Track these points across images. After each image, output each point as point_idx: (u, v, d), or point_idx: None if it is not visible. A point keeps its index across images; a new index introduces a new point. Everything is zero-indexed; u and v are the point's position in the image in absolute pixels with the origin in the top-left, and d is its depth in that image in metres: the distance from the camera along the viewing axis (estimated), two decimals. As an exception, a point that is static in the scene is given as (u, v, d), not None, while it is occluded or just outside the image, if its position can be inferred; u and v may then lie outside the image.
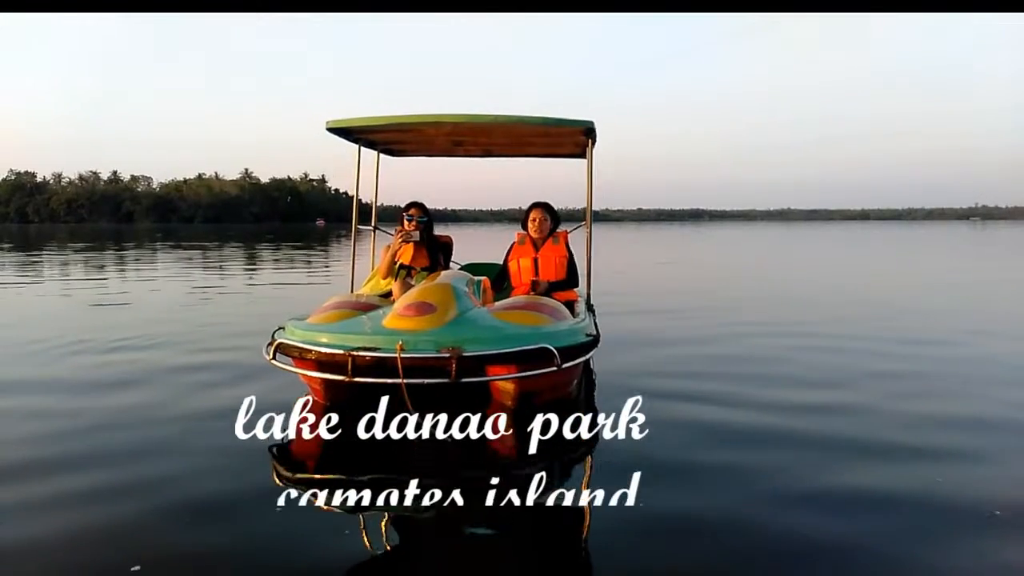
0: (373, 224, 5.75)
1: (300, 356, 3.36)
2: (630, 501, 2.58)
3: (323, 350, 3.25)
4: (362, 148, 5.27)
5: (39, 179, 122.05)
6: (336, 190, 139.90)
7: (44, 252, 21.17)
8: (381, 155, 5.89)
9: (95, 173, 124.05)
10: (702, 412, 3.78)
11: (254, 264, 16.28)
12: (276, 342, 3.49)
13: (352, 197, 5.46)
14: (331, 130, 4.67)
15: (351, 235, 5.29)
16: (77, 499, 2.62)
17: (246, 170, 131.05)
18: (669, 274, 14.56)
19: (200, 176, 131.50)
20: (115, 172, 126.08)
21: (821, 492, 2.69)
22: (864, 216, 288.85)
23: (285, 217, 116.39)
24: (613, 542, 2.31)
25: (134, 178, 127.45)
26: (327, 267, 15.59)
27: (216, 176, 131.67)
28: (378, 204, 6.08)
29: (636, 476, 2.77)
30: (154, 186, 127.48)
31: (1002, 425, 3.59)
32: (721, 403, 3.97)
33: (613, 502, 2.57)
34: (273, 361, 3.48)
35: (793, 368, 4.93)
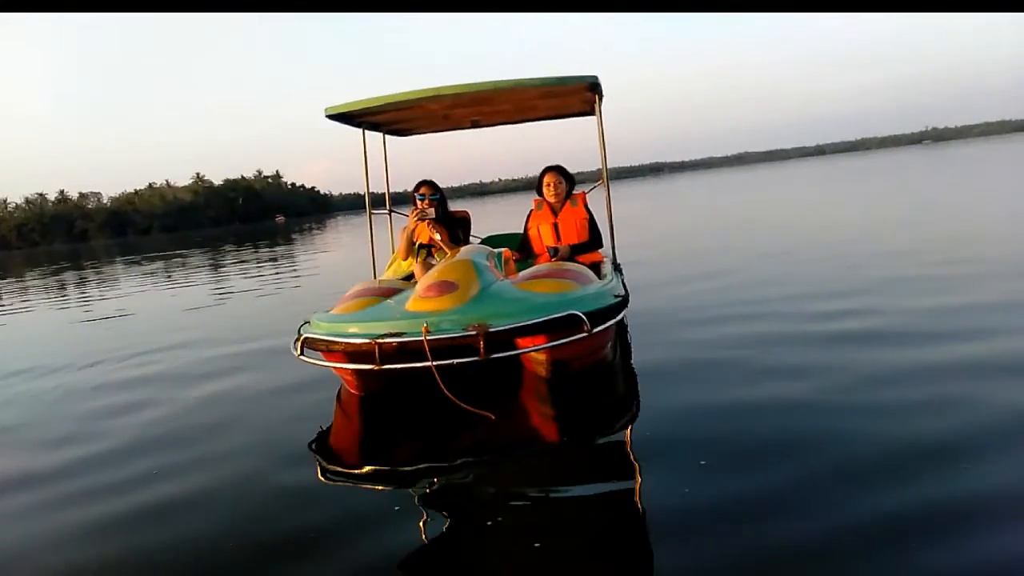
0: (388, 208, 5.65)
1: (327, 349, 3.31)
2: (677, 466, 2.49)
3: (349, 340, 3.19)
4: (366, 132, 5.16)
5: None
6: (293, 184, 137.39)
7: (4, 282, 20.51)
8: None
9: (41, 195, 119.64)
10: (741, 356, 3.82)
11: (229, 267, 15.99)
12: (302, 337, 3.43)
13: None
14: (331, 116, 4.55)
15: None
16: (128, 513, 2.59)
17: (198, 174, 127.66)
18: (659, 228, 14.66)
19: (151, 186, 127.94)
20: (62, 191, 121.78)
21: (891, 459, 2.39)
22: (820, 152, 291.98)
23: (243, 218, 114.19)
24: (663, 515, 2.19)
25: (83, 195, 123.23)
26: (294, 262, 15.45)
27: (168, 184, 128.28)
28: (388, 187, 5.92)
29: (681, 438, 2.75)
30: (105, 201, 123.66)
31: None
32: (756, 345, 4.02)
33: (659, 470, 2.50)
34: (302, 357, 3.43)
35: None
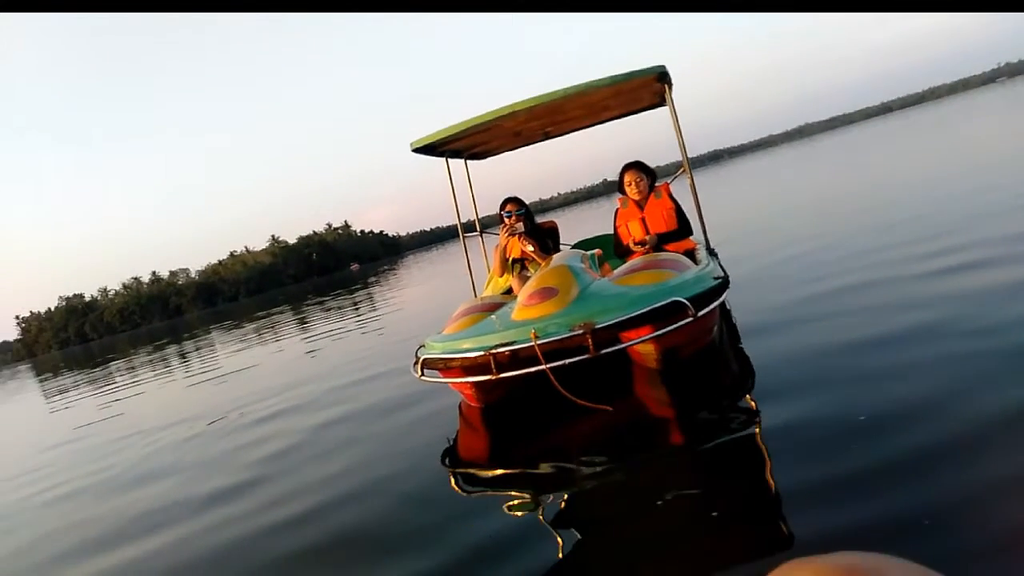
0: (479, 230, 5.89)
1: (445, 366, 3.49)
2: (804, 425, 2.49)
3: (465, 356, 3.34)
4: (449, 160, 5.42)
5: (87, 298, 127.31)
6: (362, 231, 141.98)
7: (114, 361, 21.95)
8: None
9: (136, 279, 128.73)
10: (845, 306, 3.90)
11: (321, 316, 16.65)
12: (420, 359, 3.61)
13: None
14: (416, 149, 4.84)
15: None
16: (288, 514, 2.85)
17: (273, 236, 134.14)
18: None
19: (232, 254, 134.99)
20: (154, 272, 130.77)
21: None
22: (886, 109, 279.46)
23: (321, 271, 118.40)
24: (798, 469, 2.20)
25: (173, 273, 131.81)
26: (380, 301, 15.94)
27: (247, 250, 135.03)
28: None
29: (802, 399, 2.75)
30: (193, 275, 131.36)
31: None
32: (858, 293, 4.10)
33: (787, 430, 2.50)
34: (422, 377, 3.61)
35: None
